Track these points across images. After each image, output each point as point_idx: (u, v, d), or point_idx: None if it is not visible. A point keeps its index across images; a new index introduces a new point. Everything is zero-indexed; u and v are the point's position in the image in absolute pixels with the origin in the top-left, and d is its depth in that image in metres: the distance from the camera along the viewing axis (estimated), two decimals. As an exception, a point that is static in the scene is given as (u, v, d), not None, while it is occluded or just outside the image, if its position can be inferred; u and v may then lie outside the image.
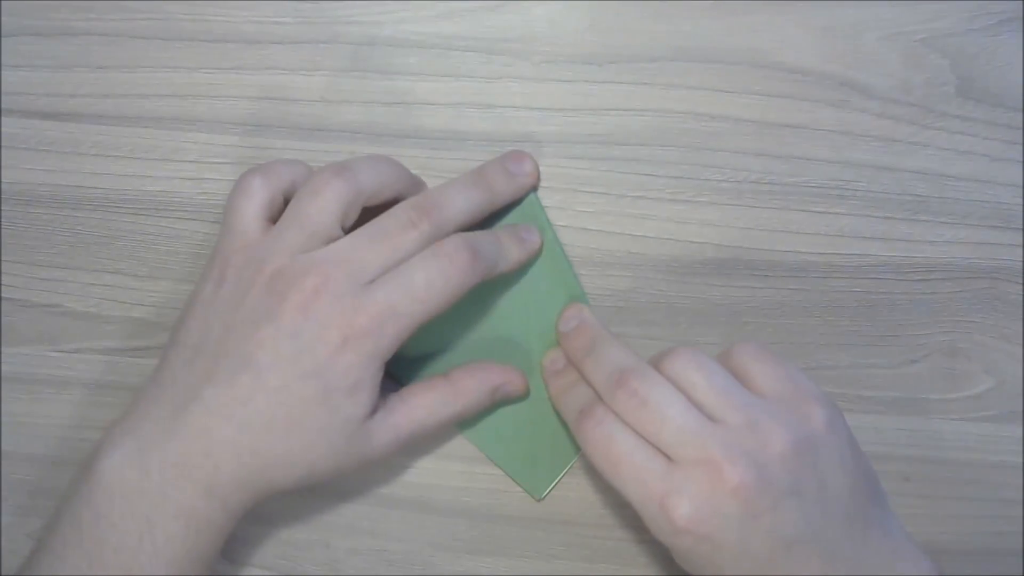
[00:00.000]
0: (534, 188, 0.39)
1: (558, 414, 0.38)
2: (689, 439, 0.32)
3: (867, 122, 0.39)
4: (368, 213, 0.35)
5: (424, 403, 0.36)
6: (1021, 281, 0.39)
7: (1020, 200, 0.39)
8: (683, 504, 0.31)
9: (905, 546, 0.33)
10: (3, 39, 0.41)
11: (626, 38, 0.39)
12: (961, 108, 0.39)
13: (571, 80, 0.40)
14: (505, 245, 0.37)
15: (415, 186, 0.38)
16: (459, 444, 0.40)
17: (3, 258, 0.41)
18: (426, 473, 0.40)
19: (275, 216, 0.35)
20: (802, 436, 0.32)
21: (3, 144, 0.41)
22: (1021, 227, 0.39)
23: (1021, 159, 0.39)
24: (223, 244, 0.35)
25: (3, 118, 0.41)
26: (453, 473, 0.40)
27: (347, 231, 0.34)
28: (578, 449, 0.39)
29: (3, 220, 0.41)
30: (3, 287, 0.41)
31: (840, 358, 0.39)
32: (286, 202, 0.35)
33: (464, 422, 0.39)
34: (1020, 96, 0.39)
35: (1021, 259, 0.39)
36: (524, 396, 0.39)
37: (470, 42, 0.40)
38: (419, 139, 0.40)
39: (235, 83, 0.40)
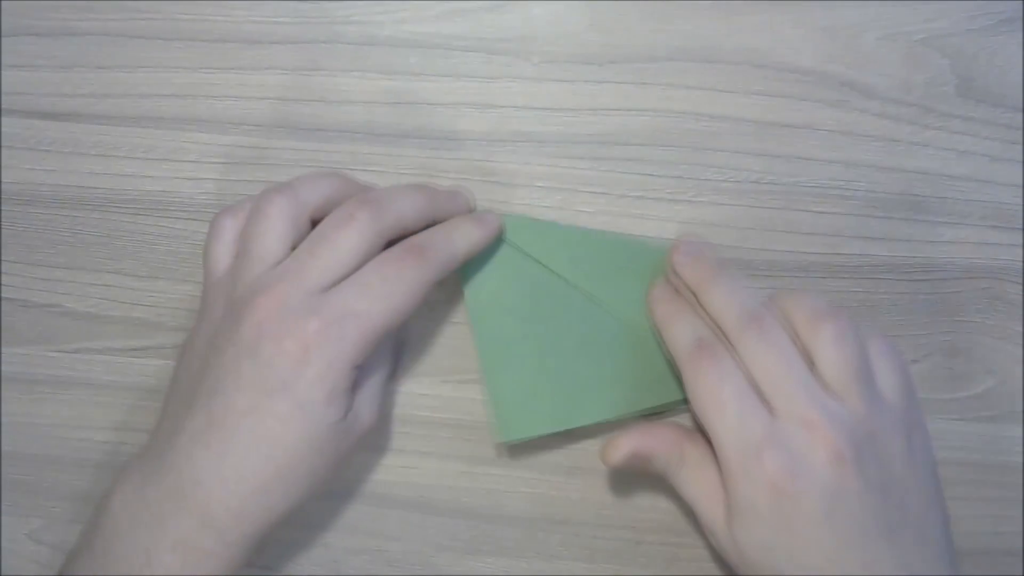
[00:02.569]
0: (500, 234, 0.38)
1: (659, 343, 0.37)
2: (803, 398, 0.32)
3: (867, 122, 0.39)
4: None
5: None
6: (1021, 281, 0.39)
7: (1020, 200, 0.39)
8: (780, 456, 0.31)
9: (938, 560, 0.33)
10: (3, 39, 0.41)
11: (626, 38, 0.39)
12: (961, 108, 0.39)
13: (571, 80, 0.39)
14: (461, 229, 0.36)
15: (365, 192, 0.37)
16: (459, 444, 0.40)
17: (3, 258, 0.41)
18: (426, 473, 0.40)
19: None
20: (903, 449, 0.32)
21: (3, 144, 0.41)
22: (1021, 227, 0.39)
23: (1021, 159, 0.39)
24: (204, 286, 0.36)
25: (3, 118, 0.41)
26: (453, 473, 0.40)
27: None
28: (577, 421, 0.38)
29: (3, 220, 0.41)
30: (3, 287, 0.41)
31: (840, 358, 0.39)
32: None
33: (486, 341, 0.38)
34: (1020, 96, 0.39)
35: (1021, 259, 0.39)
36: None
37: (470, 42, 0.40)
38: (419, 139, 0.40)
39: (235, 83, 0.40)
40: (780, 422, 0.32)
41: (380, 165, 0.40)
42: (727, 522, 0.33)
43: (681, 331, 0.35)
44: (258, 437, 0.32)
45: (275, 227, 0.34)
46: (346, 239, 0.33)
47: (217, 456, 0.32)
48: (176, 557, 0.32)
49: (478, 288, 0.38)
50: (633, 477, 0.40)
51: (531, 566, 0.40)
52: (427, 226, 0.36)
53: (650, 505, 0.40)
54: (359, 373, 0.34)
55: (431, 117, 0.40)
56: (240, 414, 0.32)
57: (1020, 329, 0.39)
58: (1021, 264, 0.39)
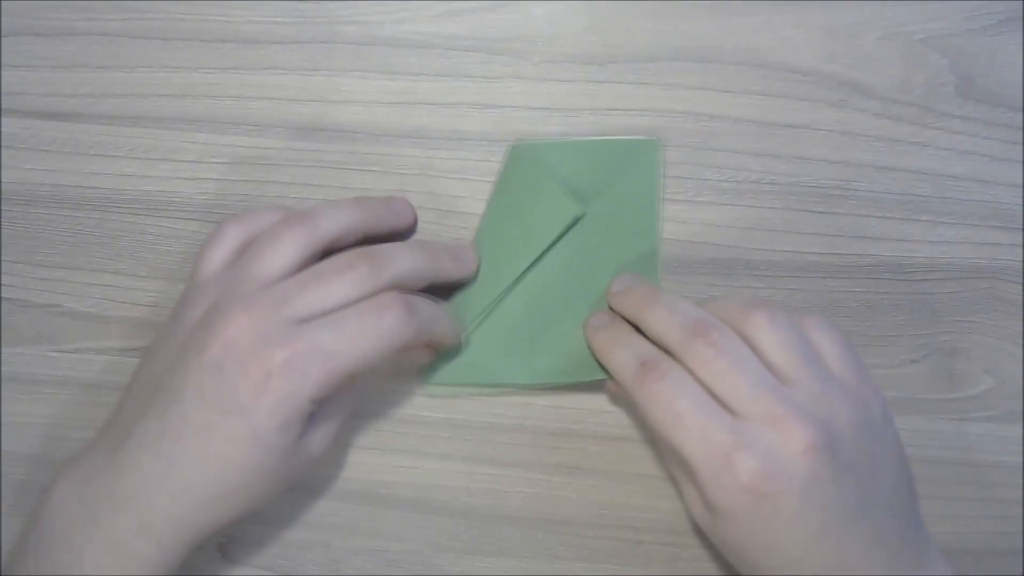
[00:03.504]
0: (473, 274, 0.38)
1: (604, 368, 0.37)
2: (764, 395, 0.31)
3: (867, 122, 0.39)
4: None
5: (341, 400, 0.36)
6: (1021, 281, 0.39)
7: (1020, 200, 0.39)
8: (751, 459, 0.31)
9: (932, 549, 0.33)
10: (3, 39, 0.41)
11: (626, 38, 0.39)
12: (961, 108, 0.39)
13: (571, 80, 0.40)
14: (445, 324, 0.36)
15: (381, 220, 0.37)
16: (459, 444, 0.40)
17: (3, 258, 0.41)
18: (426, 473, 0.40)
19: None
20: (865, 419, 0.32)
21: (3, 144, 0.41)
22: (1021, 227, 0.39)
23: (1021, 159, 0.39)
24: (188, 284, 0.36)
25: (3, 118, 0.41)
26: (453, 473, 0.40)
27: None
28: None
29: (3, 220, 0.41)
30: (3, 287, 0.41)
31: (840, 358, 0.39)
32: None
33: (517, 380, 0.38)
34: (1020, 96, 0.39)
35: (1021, 259, 0.39)
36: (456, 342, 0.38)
37: (470, 42, 0.40)
38: (419, 139, 0.40)
39: (235, 83, 0.40)
40: (746, 424, 0.31)
41: (380, 165, 0.40)
42: (709, 522, 0.33)
43: (622, 355, 0.35)
44: (208, 454, 0.32)
45: (286, 254, 0.34)
46: (340, 286, 0.33)
47: (165, 466, 0.32)
48: (109, 557, 0.32)
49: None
50: (633, 478, 0.40)
51: (531, 566, 0.40)
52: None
53: (650, 505, 0.40)
54: (317, 406, 0.33)
55: (431, 117, 0.40)
56: (194, 428, 0.32)
57: (1020, 329, 0.39)
58: (1021, 264, 0.39)
